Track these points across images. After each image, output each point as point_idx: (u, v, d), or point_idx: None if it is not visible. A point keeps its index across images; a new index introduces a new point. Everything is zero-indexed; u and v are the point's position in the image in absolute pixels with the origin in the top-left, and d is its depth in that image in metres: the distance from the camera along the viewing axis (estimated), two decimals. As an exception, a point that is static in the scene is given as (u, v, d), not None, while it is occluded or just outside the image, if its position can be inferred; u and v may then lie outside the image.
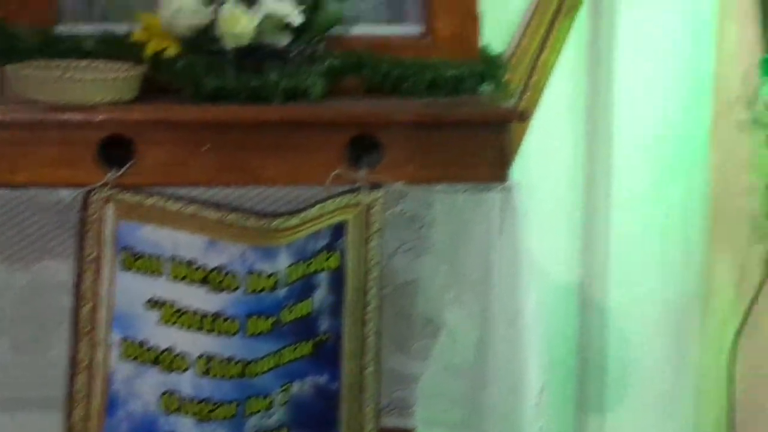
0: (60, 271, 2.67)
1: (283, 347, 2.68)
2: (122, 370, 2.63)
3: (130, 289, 2.61)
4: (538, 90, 3.17)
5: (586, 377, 3.28)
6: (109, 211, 2.60)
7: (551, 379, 3.09)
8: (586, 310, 3.28)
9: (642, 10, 3.17)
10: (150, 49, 2.68)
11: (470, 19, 2.87)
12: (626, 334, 3.25)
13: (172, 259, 2.61)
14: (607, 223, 3.21)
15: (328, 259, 2.70)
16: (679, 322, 3.27)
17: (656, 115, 3.20)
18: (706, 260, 3.29)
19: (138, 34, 2.71)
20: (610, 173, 3.20)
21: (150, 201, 2.61)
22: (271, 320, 2.65)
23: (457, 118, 2.73)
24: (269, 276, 2.64)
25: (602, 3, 3.19)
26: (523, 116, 2.85)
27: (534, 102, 3.15)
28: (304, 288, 2.68)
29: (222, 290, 2.62)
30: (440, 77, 2.79)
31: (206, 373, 2.63)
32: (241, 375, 2.63)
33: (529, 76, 3.16)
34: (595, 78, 3.22)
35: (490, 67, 2.88)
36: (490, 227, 2.75)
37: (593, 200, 3.24)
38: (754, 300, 3.27)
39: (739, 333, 3.29)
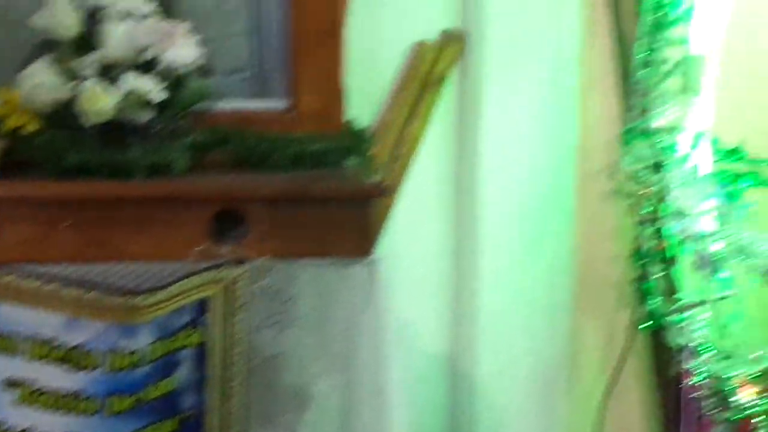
0: None
1: (146, 425, 2.61)
2: (-21, 451, 2.55)
3: (-13, 369, 2.54)
4: (406, 162, 3.17)
5: (457, 446, 3.28)
6: (-35, 289, 2.53)
7: (421, 449, 3.09)
8: (456, 378, 3.26)
9: (507, 82, 3.19)
10: (8, 125, 2.62)
11: (335, 93, 2.86)
12: (496, 402, 3.24)
13: (31, 337, 2.54)
14: (475, 292, 3.21)
15: (191, 335, 2.65)
16: (548, 388, 3.28)
17: (522, 185, 3.22)
18: (573, 327, 3.30)
19: (-4, 109, 2.65)
20: (478, 242, 3.20)
21: (7, 279, 2.54)
22: (133, 398, 2.59)
23: (321, 194, 2.71)
24: (131, 353, 2.58)
25: (468, 75, 3.21)
26: (386, 192, 2.85)
27: (401, 174, 3.15)
28: (167, 365, 2.62)
29: (82, 369, 2.55)
30: (305, 151, 2.77)
31: (66, 453, 2.56)
32: (103, 454, 2.57)
33: (397, 148, 3.16)
34: (461, 149, 3.23)
35: (355, 140, 2.87)
36: (356, 300, 2.74)
37: (461, 270, 3.24)
38: (619, 365, 3.30)
39: (606, 398, 3.31)
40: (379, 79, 3.15)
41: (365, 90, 3.09)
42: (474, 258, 3.21)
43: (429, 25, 3.20)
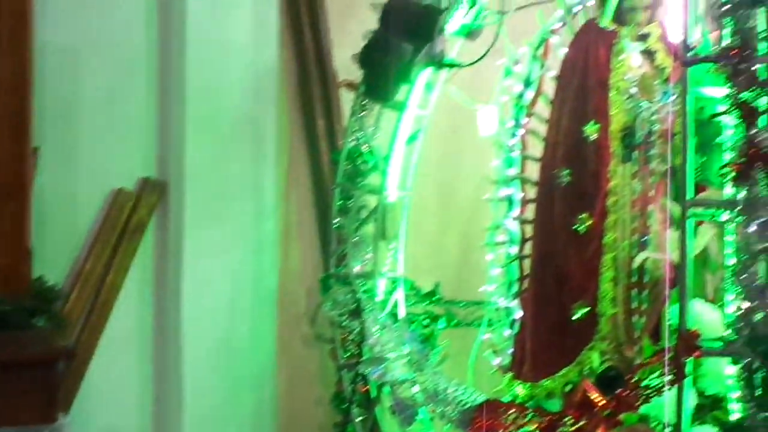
0: None
1: None
2: None
3: None
4: (103, 314, 3.02)
5: None
6: None
7: None
8: None
9: (207, 229, 3.10)
10: None
11: (21, 251, 2.71)
12: None
13: None
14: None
15: None
16: None
17: (224, 331, 3.11)
18: (278, 473, 3.23)
19: None
20: (181, 391, 3.07)
21: None
22: None
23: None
24: None
25: (168, 222, 3.11)
26: (74, 354, 2.71)
27: (98, 328, 3.00)
28: None
29: None
30: (-15, 315, 2.62)
31: None
32: None
33: (95, 300, 3.00)
34: (162, 297, 3.11)
35: (44, 299, 2.73)
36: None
37: (163, 422, 3.11)
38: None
39: None
40: (74, 229, 3.01)
41: (59, 242, 2.96)
42: (177, 409, 3.07)
43: (127, 174, 3.09)
